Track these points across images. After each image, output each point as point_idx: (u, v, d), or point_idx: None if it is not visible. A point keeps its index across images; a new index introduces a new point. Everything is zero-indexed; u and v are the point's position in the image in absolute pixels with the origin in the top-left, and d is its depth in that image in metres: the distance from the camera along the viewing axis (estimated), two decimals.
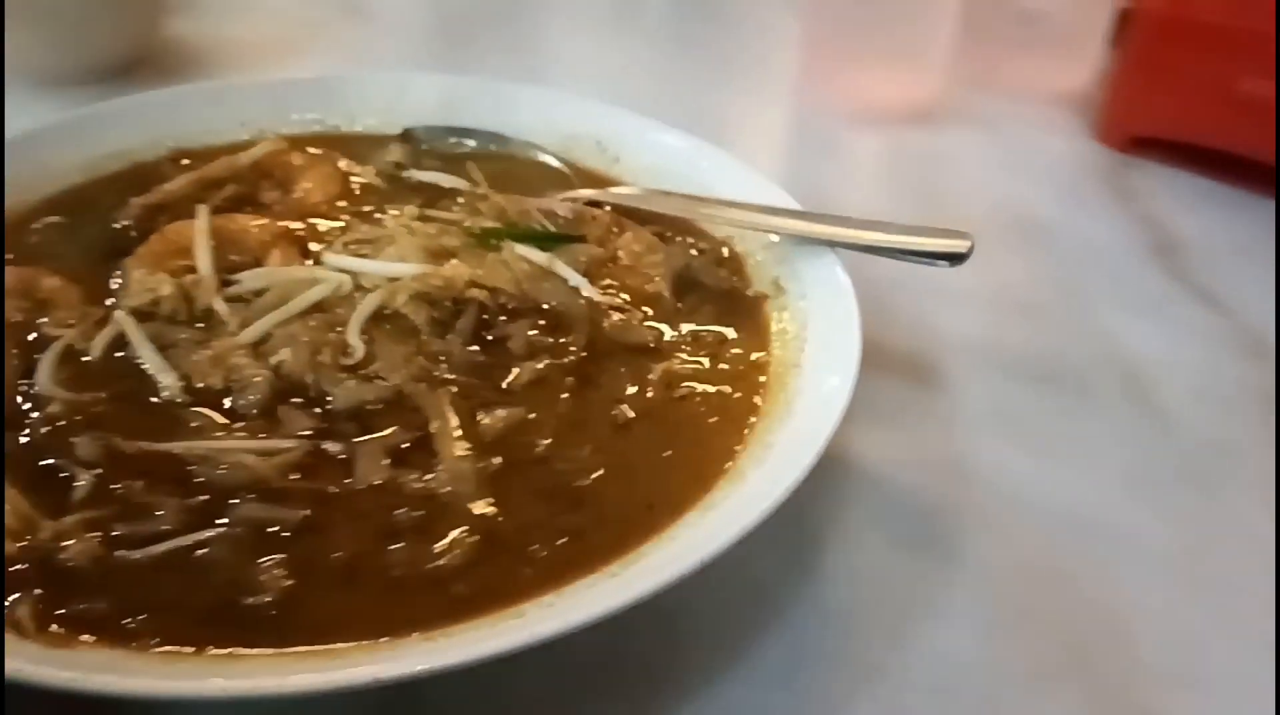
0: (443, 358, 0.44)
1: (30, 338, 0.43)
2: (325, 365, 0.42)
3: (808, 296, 0.48)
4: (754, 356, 0.46)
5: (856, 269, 0.47)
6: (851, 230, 0.49)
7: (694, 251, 0.52)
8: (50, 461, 0.37)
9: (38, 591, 0.32)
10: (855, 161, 0.72)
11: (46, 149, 0.53)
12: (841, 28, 0.76)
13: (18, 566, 0.33)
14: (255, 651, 0.30)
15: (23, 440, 0.38)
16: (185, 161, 0.56)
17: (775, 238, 0.51)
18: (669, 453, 0.41)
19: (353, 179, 0.57)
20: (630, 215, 0.54)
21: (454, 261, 0.48)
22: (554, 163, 0.59)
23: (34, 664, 0.28)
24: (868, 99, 0.76)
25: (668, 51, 0.87)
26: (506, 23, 0.87)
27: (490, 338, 0.45)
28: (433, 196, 0.55)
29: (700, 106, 0.75)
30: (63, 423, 0.39)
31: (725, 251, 0.53)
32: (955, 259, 0.47)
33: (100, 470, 0.36)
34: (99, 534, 0.34)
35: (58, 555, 0.33)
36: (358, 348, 0.43)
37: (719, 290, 0.51)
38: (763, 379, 0.45)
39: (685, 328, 0.48)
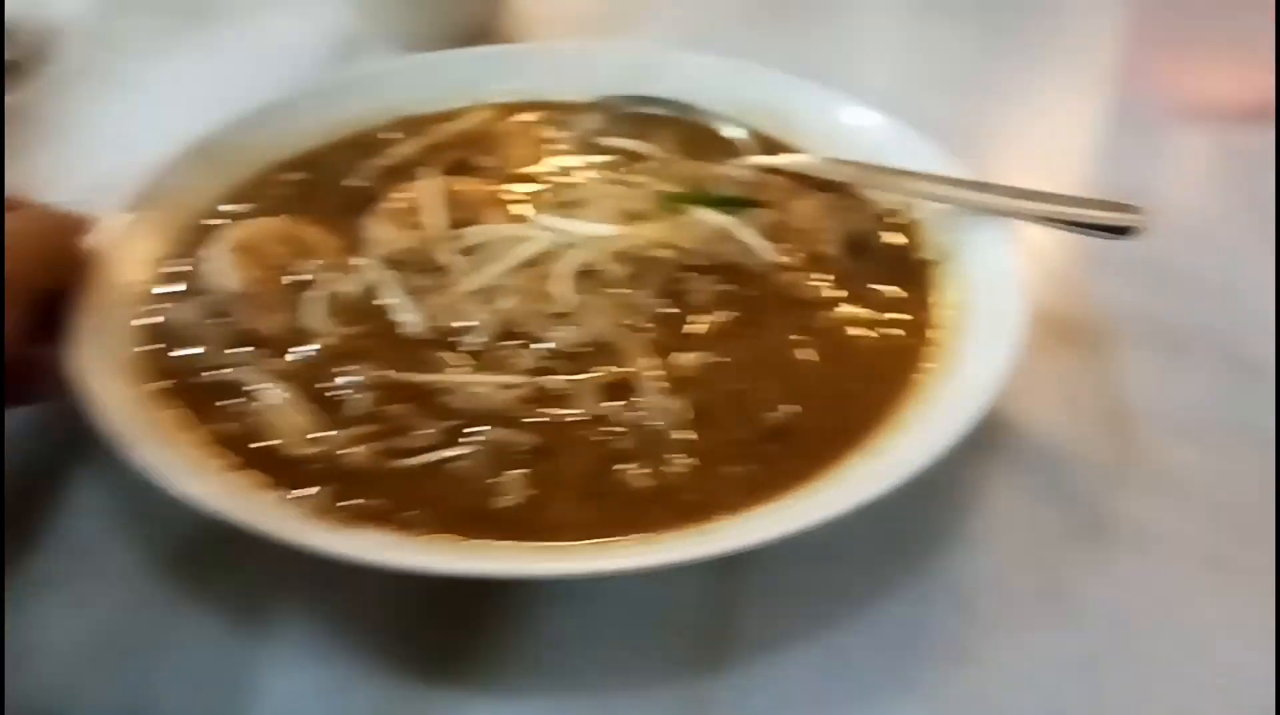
0: (637, 309, 0.50)
1: (291, 278, 0.51)
2: (539, 313, 0.49)
3: (976, 263, 0.52)
4: (921, 316, 0.51)
5: (1029, 237, 0.51)
6: (1021, 201, 0.52)
7: (864, 217, 0.57)
8: (328, 384, 0.45)
9: (327, 487, 0.40)
10: (1181, 161, 0.70)
11: (289, 116, 0.61)
12: (1171, 16, 0.72)
13: (311, 464, 0.41)
14: (505, 543, 0.37)
15: (301, 367, 0.46)
16: (398, 134, 0.63)
17: (945, 206, 0.55)
18: (843, 394, 0.46)
19: (553, 145, 0.63)
20: (805, 182, 0.58)
21: (646, 224, 0.54)
22: (735, 131, 0.64)
23: (330, 544, 0.36)
24: (1198, 94, 0.72)
25: (975, 37, 0.84)
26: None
27: (678, 292, 0.51)
28: (623, 161, 0.61)
29: (1010, 95, 0.75)
30: (335, 352, 0.47)
31: (896, 218, 0.57)
32: (1124, 233, 0.49)
33: (370, 395, 0.44)
34: (374, 444, 0.42)
35: (342, 458, 0.41)
36: (567, 297, 0.49)
37: (888, 254, 0.55)
38: (930, 336, 0.49)
39: (854, 286, 0.52)
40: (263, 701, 0.37)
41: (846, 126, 0.62)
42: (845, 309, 0.51)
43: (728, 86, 0.65)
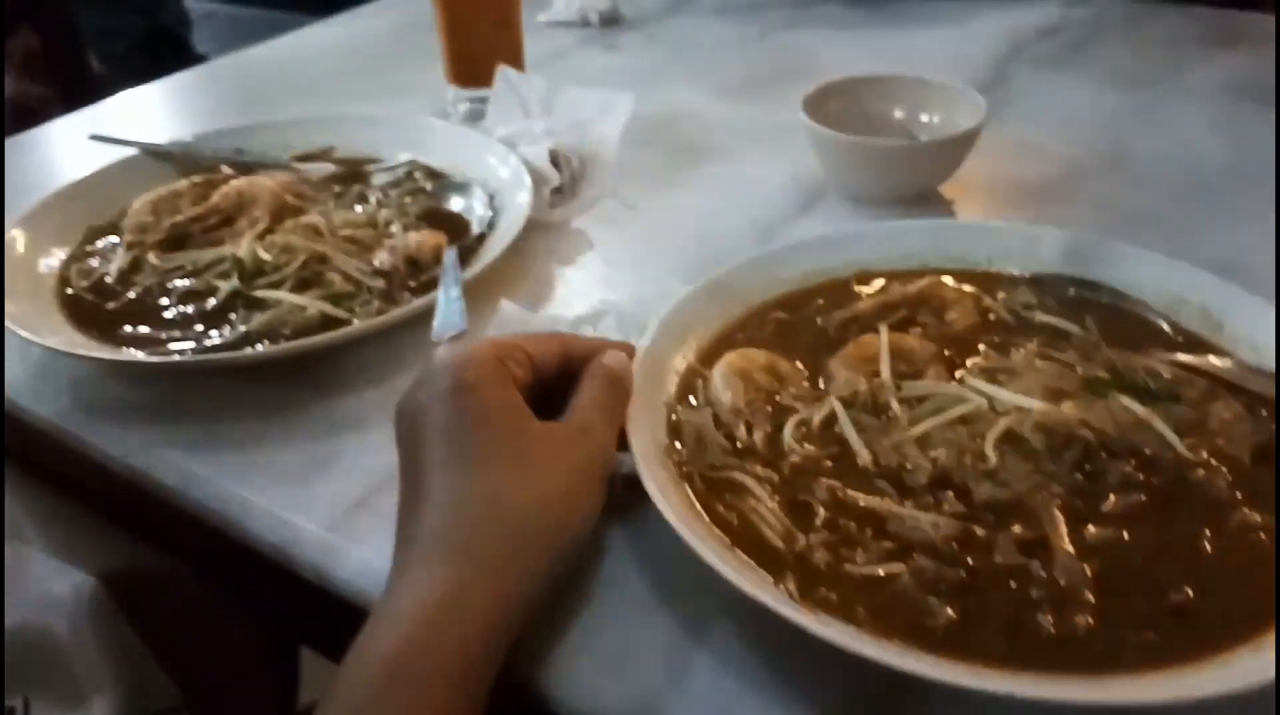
0: (1054, 478, 0.59)
1: (775, 400, 0.66)
2: (968, 466, 0.60)
3: None
4: None
5: None
6: None
7: (1275, 426, 0.62)
8: (800, 496, 0.59)
9: (796, 578, 0.54)
10: None
11: (776, 265, 0.77)
12: None
13: (789, 556, 0.55)
14: (931, 658, 0.49)
15: (778, 476, 0.60)
16: (863, 287, 0.77)
17: None
18: (1239, 590, 0.52)
19: (989, 314, 0.74)
20: (1224, 386, 0.64)
21: (1068, 402, 0.63)
22: (1160, 322, 0.71)
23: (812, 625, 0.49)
24: None
25: None
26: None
27: (1090, 470, 0.59)
28: (1051, 338, 0.70)
29: None
30: (803, 469, 0.61)
31: None
32: None
33: (830, 508, 0.58)
34: (833, 551, 0.55)
35: (810, 556, 0.55)
36: (992, 457, 0.59)
37: None
38: None
39: (1259, 493, 0.58)
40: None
41: (1269, 332, 0.67)
42: (1249, 513, 0.56)
43: (1161, 280, 0.73)
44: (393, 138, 1.02)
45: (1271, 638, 0.49)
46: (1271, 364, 0.66)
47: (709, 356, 0.70)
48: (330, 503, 0.64)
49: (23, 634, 0.75)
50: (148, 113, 1.27)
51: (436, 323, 0.67)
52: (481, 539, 0.49)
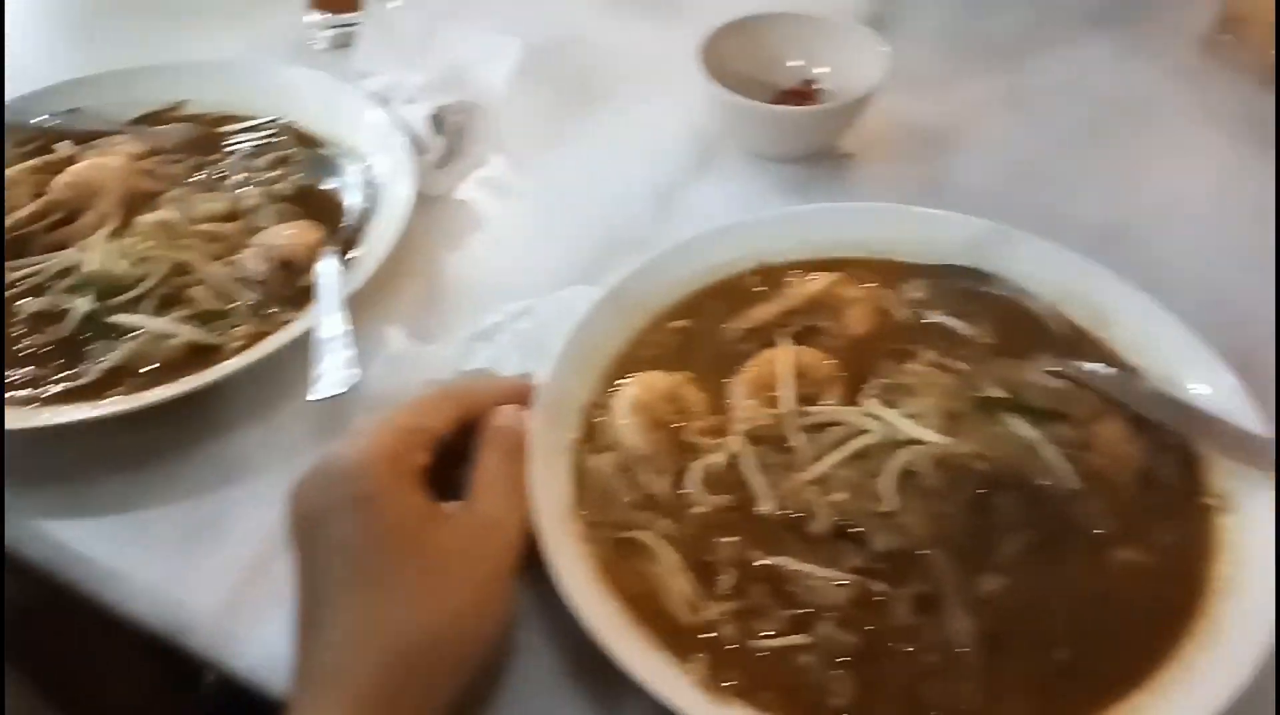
0: (949, 520, 0.59)
1: (681, 438, 0.65)
2: (867, 510, 0.60)
3: (1254, 525, 0.58)
4: (1199, 566, 0.58)
5: None
6: None
7: (1160, 448, 0.63)
8: (705, 557, 0.58)
9: (704, 658, 0.54)
10: None
11: (675, 264, 0.74)
12: None
13: (694, 633, 0.55)
14: None
15: (683, 531, 0.59)
16: (761, 288, 0.74)
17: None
18: (1123, 638, 0.55)
19: (888, 318, 0.72)
20: (1111, 401, 0.65)
21: (963, 428, 0.63)
22: (1051, 322, 0.71)
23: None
24: None
25: None
26: None
27: (985, 505, 0.60)
28: (948, 344, 0.70)
29: None
30: (706, 523, 0.60)
31: (1187, 452, 0.63)
32: None
33: (734, 570, 0.57)
34: (735, 622, 0.55)
35: (716, 630, 0.55)
36: (891, 499, 0.60)
37: (1175, 491, 0.61)
38: (1201, 597, 0.57)
39: (1141, 524, 0.60)
40: None
41: (1161, 344, 0.68)
42: (1126, 552, 0.59)
43: (1057, 274, 0.72)
44: (254, 90, 0.92)
45: (1167, 680, 0.53)
46: (1156, 366, 0.67)
47: (611, 380, 0.68)
48: (221, 572, 0.60)
49: None
50: None
51: (317, 377, 0.63)
52: (381, 683, 0.47)
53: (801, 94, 0.92)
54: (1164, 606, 0.57)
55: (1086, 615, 0.56)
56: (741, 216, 0.77)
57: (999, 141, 0.93)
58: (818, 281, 0.73)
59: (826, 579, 0.57)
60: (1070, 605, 0.57)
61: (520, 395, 0.62)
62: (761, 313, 0.72)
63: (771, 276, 0.75)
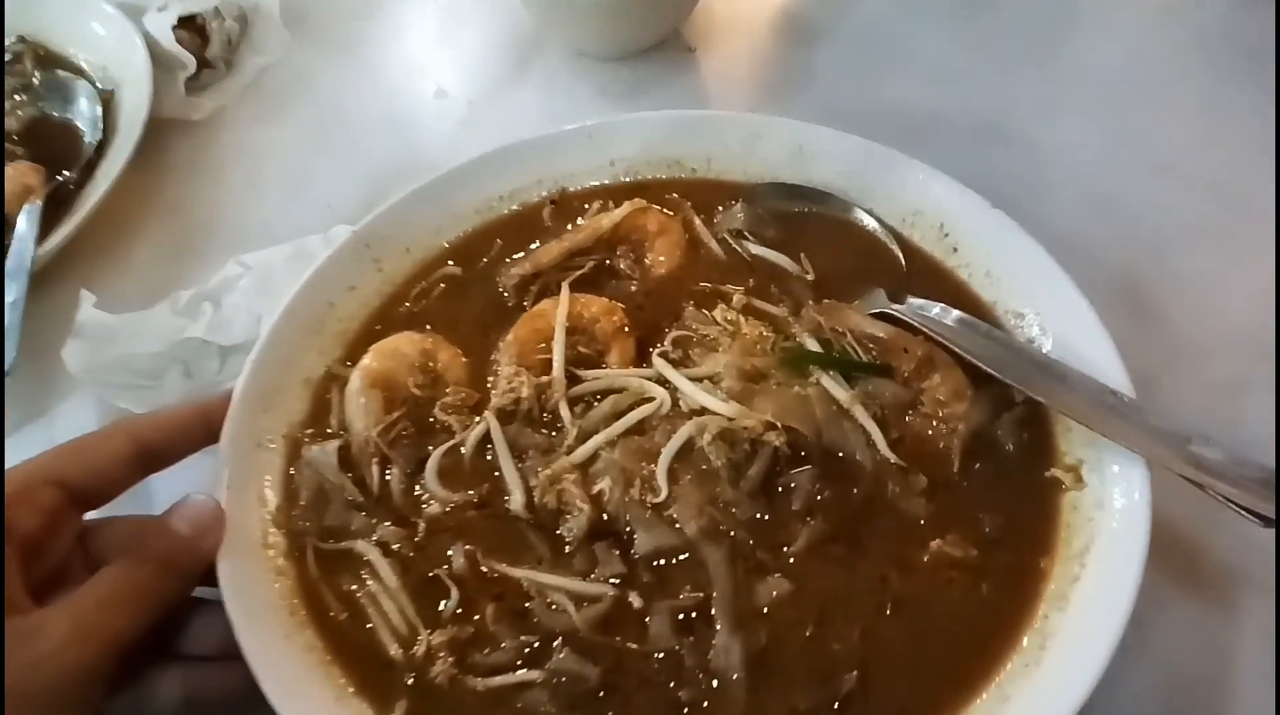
0: (732, 507, 0.49)
1: (426, 414, 0.53)
2: (634, 502, 0.49)
3: (1104, 507, 0.47)
4: (1032, 561, 0.47)
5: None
6: (1169, 451, 0.46)
7: (1000, 406, 0.51)
8: (432, 572, 0.48)
9: (408, 702, 0.44)
10: None
11: (451, 192, 0.61)
12: None
13: (403, 674, 0.45)
14: None
15: (410, 538, 0.49)
16: (558, 220, 0.61)
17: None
18: (930, 651, 0.45)
19: (699, 248, 0.60)
20: (944, 349, 0.53)
21: (761, 391, 0.52)
22: (889, 243, 0.59)
23: None
24: None
25: None
26: None
27: (776, 488, 0.49)
28: (762, 279, 0.58)
29: None
30: (441, 526, 0.49)
31: (1033, 411, 0.51)
32: (1268, 522, 0.44)
33: (464, 585, 0.47)
34: (454, 657, 0.45)
35: (427, 673, 0.45)
36: (663, 488, 0.49)
37: (1014, 460, 0.50)
38: (1038, 590, 0.46)
39: (966, 506, 0.49)
40: None
41: (1013, 263, 0.56)
42: (947, 534, 0.48)
43: (897, 186, 0.59)
44: None
45: None
46: (1011, 303, 0.55)
47: (358, 347, 0.56)
48: None
49: None
50: None
51: None
52: None
53: None
54: (986, 618, 0.46)
55: (884, 631, 0.46)
56: (531, 133, 0.64)
57: (866, 27, 0.78)
58: (614, 213, 0.60)
59: (574, 594, 0.47)
60: (865, 616, 0.46)
61: (208, 418, 0.50)
62: (545, 254, 0.59)
63: (565, 207, 0.62)
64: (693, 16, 0.76)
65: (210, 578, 0.45)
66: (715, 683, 0.44)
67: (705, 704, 0.44)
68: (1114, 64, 0.73)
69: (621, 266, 0.60)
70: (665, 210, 0.61)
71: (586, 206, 0.62)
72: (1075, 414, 0.49)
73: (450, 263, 0.60)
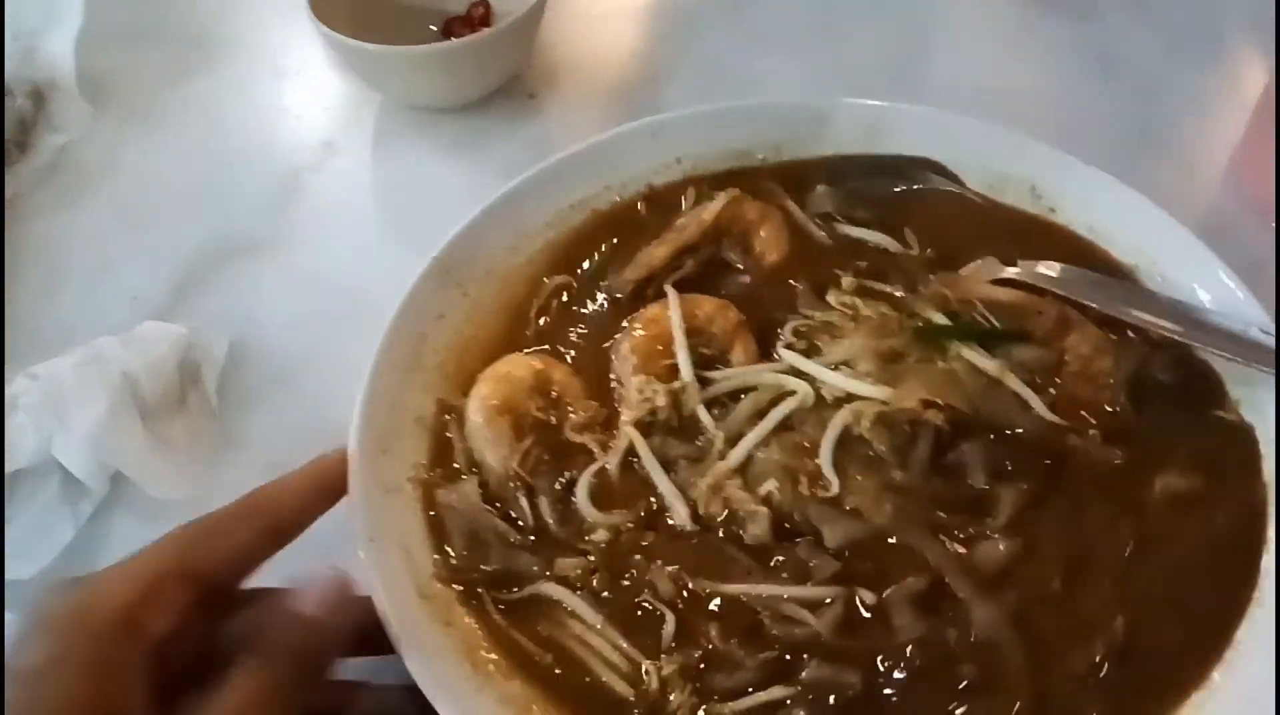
0: (910, 490, 0.46)
1: (558, 437, 0.49)
2: (806, 497, 0.46)
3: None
4: (1250, 485, 0.47)
5: None
6: None
7: (1146, 350, 0.50)
8: (636, 600, 0.44)
9: None
10: None
11: (520, 207, 0.57)
12: None
13: (636, 709, 0.41)
14: None
15: (591, 569, 0.45)
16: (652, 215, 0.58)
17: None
18: (1190, 588, 0.44)
19: (801, 233, 0.57)
20: (1072, 304, 0.52)
21: (904, 371, 0.49)
22: (986, 210, 0.58)
23: None
24: None
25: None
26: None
27: (946, 462, 0.47)
28: (870, 259, 0.56)
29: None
30: (619, 551, 0.45)
31: (1180, 353, 0.50)
32: None
33: (674, 609, 0.43)
34: (691, 684, 0.41)
35: (666, 705, 0.40)
36: (833, 480, 0.46)
37: (1180, 395, 0.49)
38: (1260, 508, 0.46)
39: (1157, 445, 0.48)
40: None
41: (1117, 216, 0.55)
42: (1152, 476, 0.47)
43: (976, 151, 0.58)
44: None
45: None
46: (1120, 256, 0.55)
47: (463, 378, 0.51)
48: None
49: None
50: None
51: None
52: None
53: (472, 20, 0.73)
54: (1233, 547, 0.45)
55: (1136, 576, 0.44)
56: (590, 143, 0.59)
57: (712, 60, 0.76)
58: (712, 206, 0.57)
59: (805, 600, 0.43)
60: (1111, 567, 0.45)
61: (327, 477, 0.44)
62: (656, 254, 0.55)
63: (658, 203, 0.59)
64: (532, 62, 0.73)
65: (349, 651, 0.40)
66: (987, 655, 0.42)
67: (987, 677, 0.41)
68: (966, 82, 0.73)
69: (730, 258, 0.57)
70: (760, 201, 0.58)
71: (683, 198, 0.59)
72: (1226, 349, 0.49)
73: (559, 275, 0.56)
